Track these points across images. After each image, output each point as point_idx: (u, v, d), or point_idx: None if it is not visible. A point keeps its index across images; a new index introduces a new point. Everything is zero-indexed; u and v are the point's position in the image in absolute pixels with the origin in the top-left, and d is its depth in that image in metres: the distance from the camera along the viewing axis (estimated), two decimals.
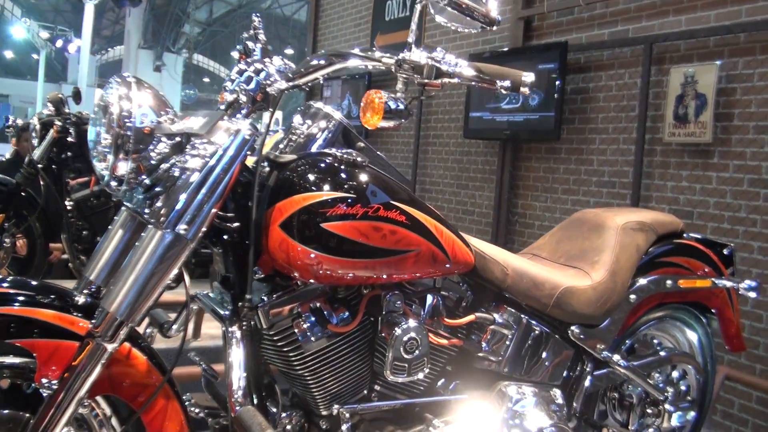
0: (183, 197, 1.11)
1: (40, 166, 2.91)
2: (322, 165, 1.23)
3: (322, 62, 1.20)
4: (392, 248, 1.23)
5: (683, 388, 1.70)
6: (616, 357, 1.53)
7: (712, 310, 1.73)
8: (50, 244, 3.14)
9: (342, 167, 1.23)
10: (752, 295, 1.63)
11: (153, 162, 1.13)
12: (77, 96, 3.02)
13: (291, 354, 1.27)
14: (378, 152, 1.36)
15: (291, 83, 1.22)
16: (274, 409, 1.31)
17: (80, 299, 1.13)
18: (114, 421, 1.13)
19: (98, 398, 1.12)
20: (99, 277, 1.16)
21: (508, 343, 1.46)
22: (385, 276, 1.27)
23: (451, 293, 1.46)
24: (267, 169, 1.30)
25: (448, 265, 1.33)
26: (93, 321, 1.11)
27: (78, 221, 2.88)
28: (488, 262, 1.43)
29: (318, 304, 1.30)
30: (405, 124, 1.26)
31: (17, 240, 3.00)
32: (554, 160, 3.52)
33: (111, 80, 1.13)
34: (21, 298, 1.03)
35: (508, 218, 3.78)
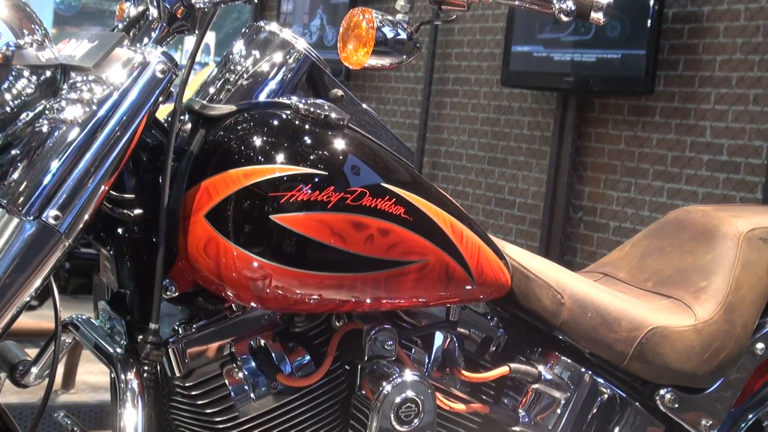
0: (55, 167, 1.11)
1: None
2: (276, 123, 1.25)
3: None
4: (382, 257, 1.25)
5: None
6: None
7: None
8: None
9: (307, 127, 1.25)
10: None
11: (8, 109, 1.14)
12: None
13: (217, 419, 1.28)
14: (365, 105, 1.38)
15: None
16: None
17: None
18: None
19: None
20: None
21: (559, 411, 1.47)
22: (369, 301, 1.29)
23: (474, 331, 1.47)
24: (189, 126, 1.32)
25: (469, 287, 1.35)
26: None
27: None
28: (533, 285, 1.45)
29: (263, 343, 1.32)
30: (409, 63, 1.29)
31: None
32: (644, 125, 3.52)
33: None
34: None
35: (567, 215, 3.74)
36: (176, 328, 1.30)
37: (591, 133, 3.72)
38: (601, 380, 1.51)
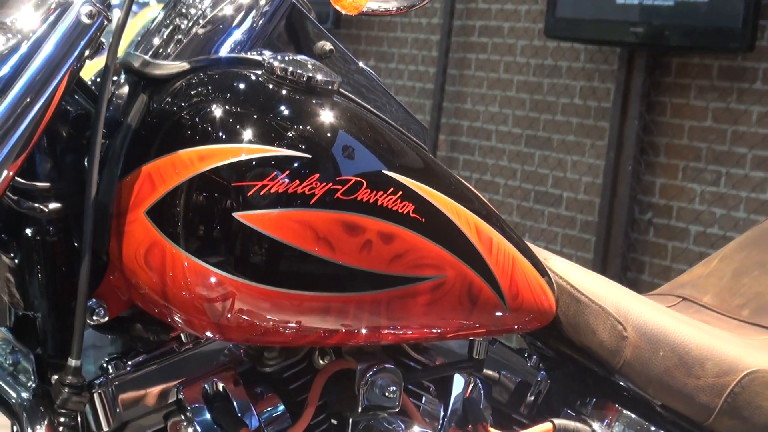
0: None
1: None
2: (243, 87, 1.26)
3: None
4: (383, 271, 1.27)
5: None
6: None
7: None
8: None
9: (284, 93, 1.25)
10: None
11: None
12: None
13: None
14: (362, 64, 1.39)
15: None
16: None
17: None
18: None
19: None
20: None
21: None
22: (365, 331, 1.30)
23: (505, 373, 1.50)
24: (126, 89, 1.32)
25: (500, 313, 1.37)
26: None
27: None
28: (586, 311, 1.46)
29: (222, 387, 1.33)
30: (422, 8, 1.28)
31: None
32: (740, 94, 3.52)
33: None
34: None
35: (631, 216, 3.78)
36: (105, 365, 1.29)
37: (666, 105, 3.71)
38: None
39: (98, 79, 1.27)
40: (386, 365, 1.35)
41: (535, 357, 1.53)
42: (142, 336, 1.31)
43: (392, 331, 1.32)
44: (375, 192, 1.24)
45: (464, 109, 4.38)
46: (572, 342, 1.47)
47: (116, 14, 1.30)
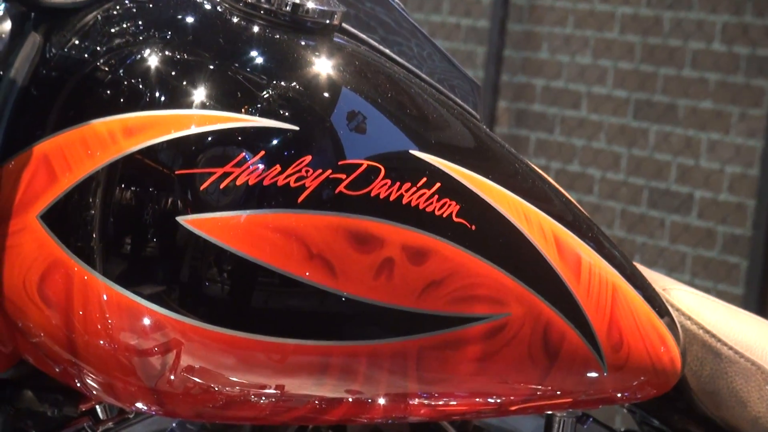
0: None
1: None
2: (191, 21, 1.32)
3: None
4: (411, 308, 1.30)
5: None
6: None
7: None
8: None
9: (256, 32, 1.30)
10: None
11: None
12: None
13: None
14: None
15: None
16: None
17: None
18: None
19: None
20: None
21: None
22: (383, 401, 1.33)
23: None
24: (8, 26, 1.34)
25: (594, 373, 1.41)
26: None
27: None
28: (732, 371, 1.48)
29: None
30: None
31: None
32: None
33: None
34: None
35: None
36: None
37: None
38: None
39: None
40: None
41: None
42: (34, 409, 1.31)
43: (426, 402, 1.32)
44: (398, 184, 1.26)
45: (538, 61, 4.41)
46: (708, 418, 1.47)
47: None
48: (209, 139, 1.17)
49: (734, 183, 3.84)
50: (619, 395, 1.36)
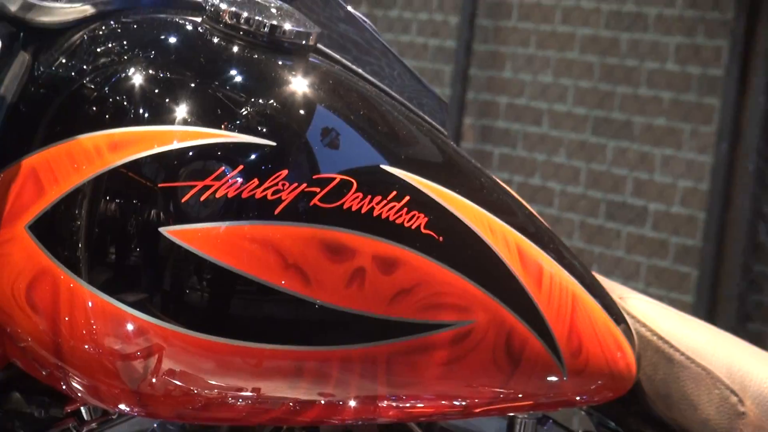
0: None
1: None
2: (174, 41, 1.36)
3: None
4: (381, 315, 1.34)
5: None
6: None
7: None
8: None
9: (235, 51, 1.33)
10: None
11: None
12: None
13: None
14: (350, 8, 1.45)
15: None
16: None
17: None
18: None
19: None
20: None
21: None
22: (354, 403, 1.37)
23: None
24: None
25: (554, 378, 1.44)
26: None
27: None
28: (684, 376, 1.52)
29: None
30: None
31: None
32: None
33: None
34: None
35: (752, 239, 3.94)
36: None
37: None
38: None
39: None
40: None
41: None
42: (21, 411, 1.34)
43: (394, 404, 1.36)
44: (370, 197, 1.30)
45: (501, 80, 4.44)
46: (661, 420, 1.51)
47: None
48: (191, 153, 1.20)
49: (686, 196, 3.90)
50: (577, 398, 1.40)
